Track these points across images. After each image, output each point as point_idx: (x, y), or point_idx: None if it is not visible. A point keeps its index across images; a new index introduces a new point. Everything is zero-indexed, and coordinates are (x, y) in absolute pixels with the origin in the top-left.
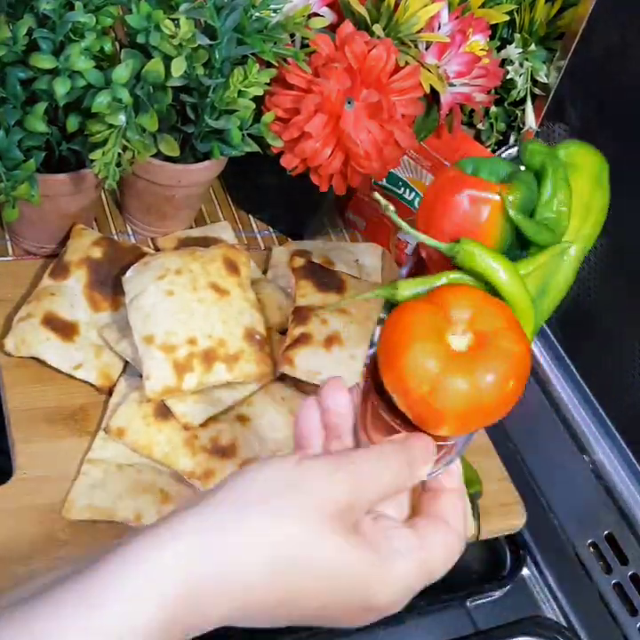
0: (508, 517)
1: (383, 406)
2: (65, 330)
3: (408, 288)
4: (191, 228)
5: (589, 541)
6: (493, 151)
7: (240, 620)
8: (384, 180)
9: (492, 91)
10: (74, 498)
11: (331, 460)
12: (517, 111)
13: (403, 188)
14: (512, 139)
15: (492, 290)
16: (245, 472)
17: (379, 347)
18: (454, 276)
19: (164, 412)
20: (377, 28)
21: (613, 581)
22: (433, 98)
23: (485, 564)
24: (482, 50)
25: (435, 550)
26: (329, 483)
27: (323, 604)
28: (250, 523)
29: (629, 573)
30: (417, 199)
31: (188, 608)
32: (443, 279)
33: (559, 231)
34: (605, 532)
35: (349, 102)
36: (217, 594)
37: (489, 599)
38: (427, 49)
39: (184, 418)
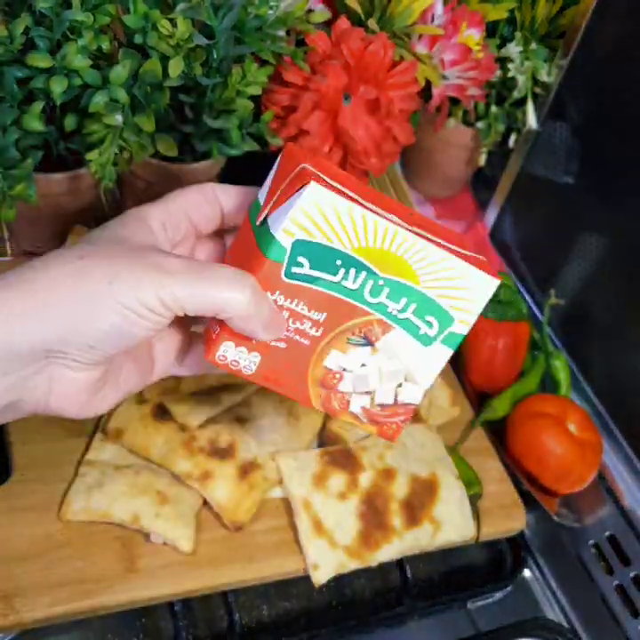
0: (508, 519)
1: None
2: None
3: (502, 407)
4: None
5: (591, 542)
6: (489, 153)
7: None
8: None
9: (486, 86)
10: (71, 499)
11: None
12: (518, 113)
13: None
14: (512, 139)
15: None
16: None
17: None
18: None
19: (161, 413)
20: (371, 23)
21: (615, 583)
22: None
23: (486, 566)
24: (477, 44)
25: None
26: None
27: None
28: None
29: (632, 575)
30: None
31: None
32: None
33: None
34: (607, 534)
35: (347, 98)
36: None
37: (490, 600)
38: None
39: (182, 419)
